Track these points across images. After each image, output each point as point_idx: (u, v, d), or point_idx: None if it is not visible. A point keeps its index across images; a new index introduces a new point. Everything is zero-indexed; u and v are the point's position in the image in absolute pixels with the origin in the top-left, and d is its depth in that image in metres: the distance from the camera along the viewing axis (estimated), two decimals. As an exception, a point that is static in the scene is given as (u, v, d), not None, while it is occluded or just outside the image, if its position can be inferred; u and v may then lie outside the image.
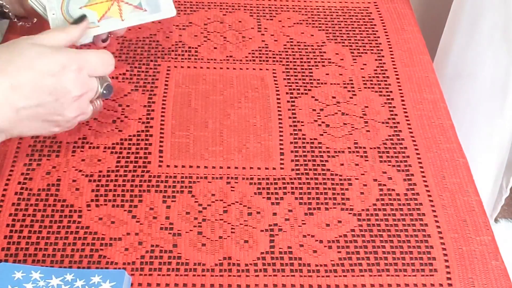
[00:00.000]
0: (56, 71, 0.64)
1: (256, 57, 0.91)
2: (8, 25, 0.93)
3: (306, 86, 0.87)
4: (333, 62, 0.91)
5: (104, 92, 0.71)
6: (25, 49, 0.64)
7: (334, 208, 0.73)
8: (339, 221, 0.72)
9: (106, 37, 0.85)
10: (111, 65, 0.71)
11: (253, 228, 0.71)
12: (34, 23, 0.88)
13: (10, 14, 0.91)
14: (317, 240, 0.70)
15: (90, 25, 0.74)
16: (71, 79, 0.65)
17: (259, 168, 0.77)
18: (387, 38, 0.95)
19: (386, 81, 0.89)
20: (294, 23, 0.97)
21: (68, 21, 0.74)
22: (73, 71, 0.65)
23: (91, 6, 0.76)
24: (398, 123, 0.83)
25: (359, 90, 0.87)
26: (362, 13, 0.99)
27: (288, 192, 0.75)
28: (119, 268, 0.66)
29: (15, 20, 0.92)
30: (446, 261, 0.69)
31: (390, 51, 0.93)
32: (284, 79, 0.88)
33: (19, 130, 0.64)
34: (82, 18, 0.72)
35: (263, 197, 0.74)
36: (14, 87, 0.62)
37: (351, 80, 0.89)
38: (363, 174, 0.77)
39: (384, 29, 0.97)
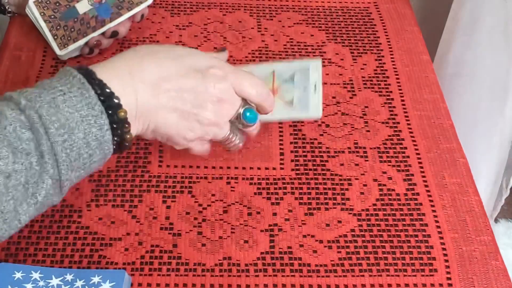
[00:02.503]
0: (202, 68, 0.65)
1: (256, 57, 0.91)
2: (9, 22, 0.94)
3: (306, 86, 0.87)
4: (333, 62, 0.91)
5: (247, 114, 0.68)
6: (177, 47, 0.68)
7: (334, 208, 0.73)
8: (339, 221, 0.72)
9: (88, 51, 0.86)
10: (263, 97, 0.69)
11: (253, 228, 0.71)
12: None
13: (9, 9, 0.91)
14: (317, 240, 0.70)
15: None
16: (214, 80, 0.65)
17: (259, 168, 0.77)
18: (387, 38, 0.95)
19: (386, 81, 0.89)
20: (294, 23, 0.97)
21: None
22: (218, 75, 0.65)
23: None
24: (398, 123, 0.83)
25: (359, 90, 0.87)
26: (362, 13, 0.99)
27: (288, 192, 0.75)
28: (119, 268, 0.66)
29: (14, 15, 0.92)
30: (446, 261, 0.69)
31: (390, 51, 0.93)
32: (284, 79, 0.88)
33: (156, 119, 0.64)
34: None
35: (263, 197, 0.74)
36: (160, 69, 0.63)
37: (351, 80, 0.89)
38: (363, 174, 0.77)
39: (384, 29, 0.97)
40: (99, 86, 0.59)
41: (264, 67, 0.80)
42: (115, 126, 0.59)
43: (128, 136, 0.61)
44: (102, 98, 0.58)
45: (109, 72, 0.61)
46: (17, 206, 0.55)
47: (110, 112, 0.58)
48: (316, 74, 0.77)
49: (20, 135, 0.54)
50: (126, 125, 0.60)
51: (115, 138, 0.60)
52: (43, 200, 0.57)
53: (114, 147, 0.60)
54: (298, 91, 0.77)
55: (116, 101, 0.59)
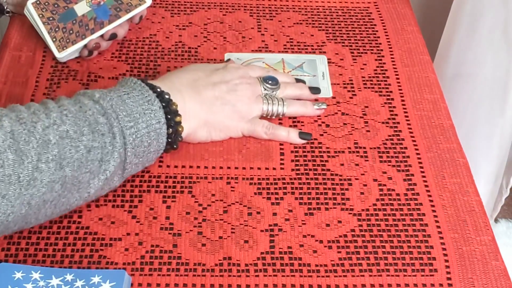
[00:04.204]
0: (220, 67, 0.81)
1: (256, 57, 0.91)
2: (9, 22, 0.94)
3: (306, 86, 0.87)
4: (333, 62, 0.91)
5: (266, 79, 0.81)
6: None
7: (334, 208, 0.73)
8: (339, 221, 0.72)
9: (87, 53, 0.86)
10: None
11: (253, 228, 0.71)
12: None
13: (7, 9, 0.91)
14: (317, 240, 0.70)
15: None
16: (233, 69, 0.81)
17: (259, 168, 0.77)
18: (387, 38, 0.95)
19: (386, 81, 0.89)
20: (294, 23, 0.97)
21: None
22: (234, 66, 0.82)
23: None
24: (398, 123, 0.83)
25: (359, 90, 0.87)
26: (362, 13, 0.99)
27: (288, 192, 0.75)
28: (119, 268, 0.66)
29: (12, 15, 0.92)
30: (446, 261, 0.69)
31: (390, 51, 0.93)
32: (284, 79, 0.88)
33: (205, 112, 0.76)
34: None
35: (263, 197, 0.74)
36: (191, 75, 0.78)
37: (351, 80, 0.89)
38: (363, 174, 0.77)
39: (384, 29, 0.97)
40: (152, 87, 0.72)
41: (273, 55, 0.91)
42: (169, 117, 0.71)
43: (180, 129, 0.73)
44: (156, 95, 0.71)
45: (155, 82, 0.74)
46: (90, 179, 0.66)
47: (163, 105, 0.71)
48: (322, 66, 0.90)
49: (97, 119, 0.66)
50: (178, 117, 0.72)
51: (169, 130, 0.71)
52: (110, 177, 0.67)
53: (168, 140, 0.72)
54: (308, 77, 0.88)
55: (167, 96, 0.72)
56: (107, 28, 0.85)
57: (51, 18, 0.84)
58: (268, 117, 0.81)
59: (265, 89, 0.80)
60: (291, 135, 0.79)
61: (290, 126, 0.82)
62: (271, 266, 0.68)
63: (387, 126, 0.83)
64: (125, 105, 0.68)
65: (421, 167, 0.78)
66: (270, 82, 0.81)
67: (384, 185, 0.76)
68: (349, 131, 0.82)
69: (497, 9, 1.09)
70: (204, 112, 0.76)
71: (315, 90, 0.85)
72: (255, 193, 0.74)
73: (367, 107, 0.85)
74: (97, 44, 0.86)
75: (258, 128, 0.79)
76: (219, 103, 0.77)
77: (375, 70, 0.90)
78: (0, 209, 0.59)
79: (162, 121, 0.70)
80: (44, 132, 0.63)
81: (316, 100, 0.85)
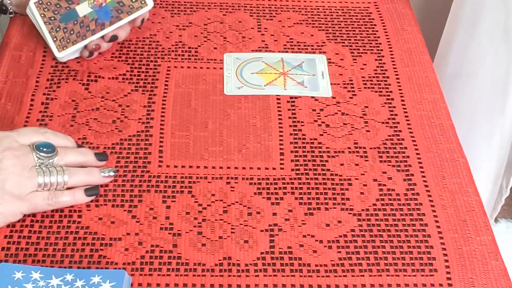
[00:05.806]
0: None
1: (256, 57, 0.91)
2: (9, 22, 0.94)
3: (306, 86, 0.87)
4: (333, 62, 0.91)
5: (40, 147, 0.70)
6: None
7: (334, 208, 0.73)
8: (339, 221, 0.72)
9: (88, 54, 0.86)
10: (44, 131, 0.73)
11: (253, 228, 0.71)
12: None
13: (11, 10, 0.91)
14: (317, 240, 0.70)
15: (256, 87, 0.85)
16: None
17: (259, 168, 0.77)
18: (387, 38, 0.95)
19: (386, 81, 0.89)
20: (294, 23, 0.97)
21: (241, 81, 0.87)
22: None
23: (261, 73, 0.88)
24: (398, 123, 0.83)
25: (359, 90, 0.87)
26: (362, 13, 0.99)
27: (288, 192, 0.75)
28: (119, 268, 0.66)
29: (15, 15, 0.92)
30: (446, 261, 0.69)
31: (390, 51, 0.93)
32: (284, 79, 0.88)
33: None
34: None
35: (263, 197, 0.74)
36: None
37: (351, 80, 0.89)
38: (363, 174, 0.77)
39: (384, 29, 0.97)
40: None
41: (273, 54, 0.91)
42: None
43: None
44: None
45: None
46: None
47: None
48: (322, 66, 0.90)
49: None
50: None
51: None
52: None
53: None
54: (307, 76, 0.88)
55: None
56: (107, 30, 0.85)
57: (52, 18, 0.84)
58: (48, 189, 0.70)
59: (39, 158, 0.69)
60: (77, 197, 0.71)
61: (290, 126, 0.82)
62: (271, 266, 0.68)
63: (387, 126, 0.83)
64: None
65: (421, 167, 0.78)
66: (44, 149, 0.70)
67: (384, 185, 0.76)
68: (349, 131, 0.82)
69: (497, 9, 1.09)
70: None
71: (101, 156, 0.75)
72: (255, 193, 0.74)
73: (367, 107, 0.85)
74: (97, 46, 0.86)
75: (39, 202, 0.69)
76: None
77: (375, 70, 0.91)
78: None
79: None
80: None
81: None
